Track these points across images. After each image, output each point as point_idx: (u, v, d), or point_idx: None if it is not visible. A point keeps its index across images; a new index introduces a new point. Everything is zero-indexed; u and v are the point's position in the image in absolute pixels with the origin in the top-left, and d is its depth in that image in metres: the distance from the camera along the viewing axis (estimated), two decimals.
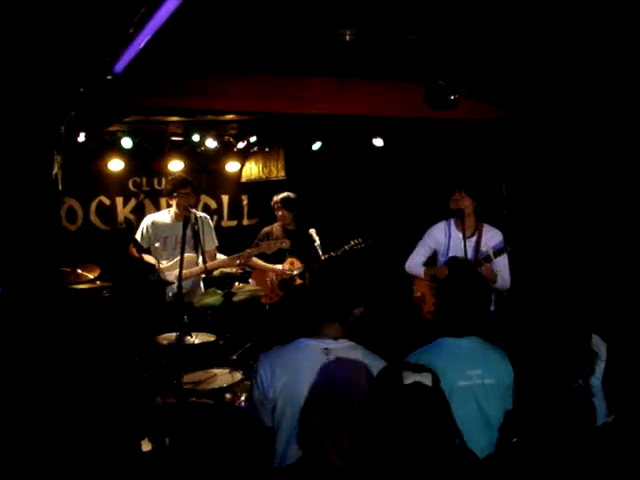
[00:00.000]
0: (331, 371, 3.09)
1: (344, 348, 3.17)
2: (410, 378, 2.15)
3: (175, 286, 5.60)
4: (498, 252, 5.33)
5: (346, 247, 6.92)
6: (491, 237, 5.55)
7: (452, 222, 5.66)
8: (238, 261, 6.45)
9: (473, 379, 3.26)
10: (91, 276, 6.08)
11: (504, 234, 5.56)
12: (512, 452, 3.02)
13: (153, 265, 6.28)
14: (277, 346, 3.47)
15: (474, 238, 5.50)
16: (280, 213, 7.09)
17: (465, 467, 2.19)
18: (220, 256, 6.72)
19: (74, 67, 3.93)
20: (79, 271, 6.03)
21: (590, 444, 2.95)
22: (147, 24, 3.06)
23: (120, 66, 3.84)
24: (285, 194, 7.08)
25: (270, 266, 6.95)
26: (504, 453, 3.08)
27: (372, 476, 2.05)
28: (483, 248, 5.47)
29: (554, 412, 3.13)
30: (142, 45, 3.44)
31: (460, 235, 5.49)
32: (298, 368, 3.09)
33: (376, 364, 3.15)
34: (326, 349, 3.13)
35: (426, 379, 2.17)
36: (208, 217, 6.88)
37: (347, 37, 4.50)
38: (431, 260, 5.81)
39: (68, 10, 3.16)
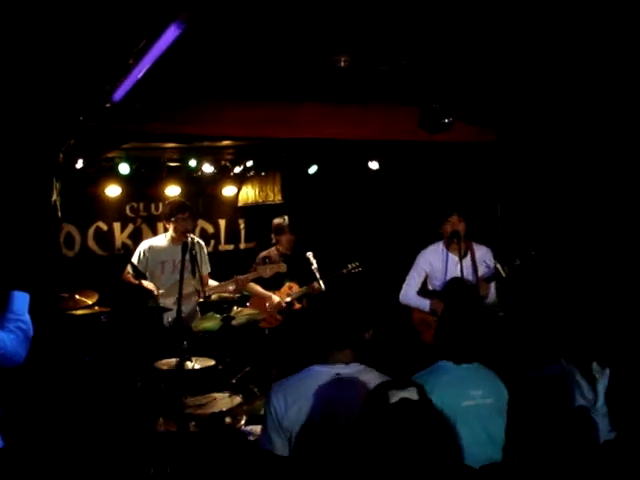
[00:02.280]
0: (344, 397, 3.04)
1: (356, 372, 3.13)
2: (396, 396, 2.16)
3: (174, 311, 5.62)
4: (491, 278, 5.42)
5: (344, 270, 6.94)
6: (484, 254, 5.65)
7: (442, 245, 5.71)
8: (234, 286, 6.46)
9: (476, 399, 3.29)
10: (89, 302, 6.12)
11: (499, 253, 5.63)
12: (514, 469, 3.04)
13: (151, 291, 6.30)
14: (289, 375, 3.43)
15: (468, 258, 5.55)
16: (286, 237, 7.06)
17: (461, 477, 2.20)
18: (212, 282, 6.74)
19: (75, 96, 3.99)
20: (77, 297, 6.07)
21: (593, 461, 2.97)
22: (146, 55, 3.13)
23: (119, 94, 3.89)
24: (286, 217, 7.10)
25: (267, 294, 6.89)
26: (506, 471, 3.10)
27: None
28: (480, 266, 5.52)
29: (557, 431, 3.16)
30: (141, 74, 3.50)
31: (456, 258, 5.51)
32: (311, 396, 3.04)
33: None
34: (338, 374, 3.09)
35: (412, 394, 2.17)
36: (203, 243, 6.92)
37: (342, 63, 4.57)
38: (422, 285, 5.85)
39: (71, 42, 3.22)
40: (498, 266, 5.39)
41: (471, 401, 3.30)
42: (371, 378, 3.13)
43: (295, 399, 3.05)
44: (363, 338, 3.22)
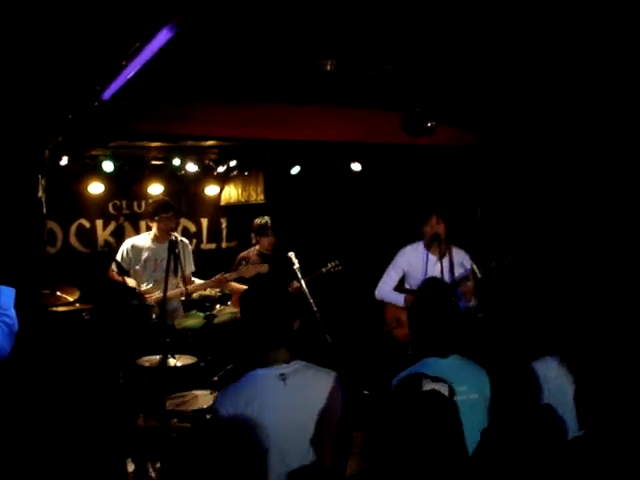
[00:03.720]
0: (291, 395, 3.08)
1: (299, 369, 3.17)
2: (429, 385, 2.24)
3: (157, 309, 5.65)
4: (466, 278, 5.52)
5: (323, 269, 6.99)
6: (462, 257, 5.79)
7: (422, 245, 5.82)
8: (217, 284, 6.48)
9: (462, 394, 3.33)
10: (71, 299, 6.12)
11: (479, 255, 5.74)
12: (487, 465, 3.11)
13: (134, 289, 6.32)
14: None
15: (447, 259, 5.65)
16: (268, 239, 7.10)
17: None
18: (195, 280, 6.77)
19: (65, 95, 4.02)
20: (59, 293, 6.07)
21: (561, 457, 3.06)
22: (138, 56, 3.17)
23: (108, 94, 3.92)
24: (267, 218, 7.14)
25: None
26: (479, 467, 3.18)
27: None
28: (457, 268, 5.62)
29: (527, 427, 3.24)
30: (131, 75, 3.54)
31: (435, 258, 5.66)
32: (258, 400, 3.05)
33: (330, 378, 3.21)
34: (282, 375, 3.12)
35: (443, 389, 2.25)
36: (187, 242, 6.95)
37: (328, 67, 4.63)
38: (399, 283, 5.95)
39: (66, 43, 3.26)
40: (474, 267, 5.50)
41: (458, 397, 3.35)
42: (313, 373, 3.21)
43: (244, 404, 3.04)
44: (293, 332, 3.24)
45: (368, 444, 2.34)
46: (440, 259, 5.58)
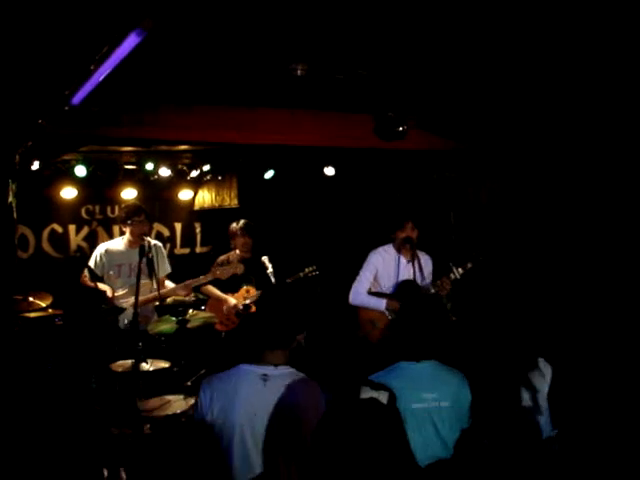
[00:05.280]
0: (267, 398, 3.13)
1: (283, 375, 3.21)
2: (367, 393, 2.25)
3: (130, 313, 5.62)
4: (462, 269, 5.62)
5: (300, 274, 7.00)
6: (427, 260, 5.90)
7: (393, 248, 5.87)
8: (185, 291, 6.44)
9: (428, 401, 3.35)
10: (43, 304, 6.06)
11: (452, 259, 5.81)
12: (465, 464, 3.15)
13: (105, 293, 6.28)
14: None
15: (416, 262, 5.69)
16: (242, 240, 7.05)
17: None
18: (169, 283, 6.75)
19: (34, 99, 4.00)
20: (31, 299, 6.01)
21: (536, 455, 3.10)
22: (107, 60, 3.17)
23: (78, 98, 3.91)
24: (245, 221, 7.12)
25: (224, 296, 6.92)
26: (458, 466, 3.21)
27: None
28: (424, 270, 5.69)
29: (506, 428, 3.28)
30: (100, 79, 3.53)
31: (406, 260, 5.77)
32: (234, 394, 3.13)
33: (313, 390, 3.23)
34: (265, 375, 3.17)
35: (382, 397, 2.27)
36: (161, 245, 6.93)
37: (299, 72, 4.64)
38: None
39: (34, 46, 3.24)
40: (454, 269, 5.58)
41: (421, 404, 3.35)
42: (297, 382, 3.22)
43: (219, 396, 3.14)
44: (295, 340, 3.31)
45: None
46: (412, 261, 5.63)
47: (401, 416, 2.29)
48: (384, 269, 5.87)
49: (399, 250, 5.82)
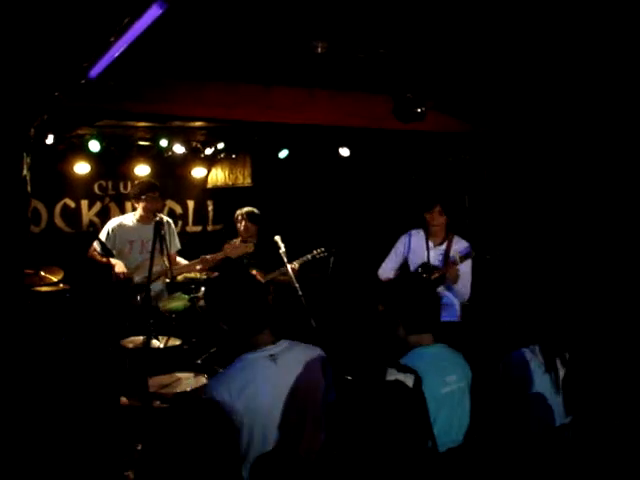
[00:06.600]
0: (283, 374, 3.13)
1: (287, 348, 3.22)
2: (393, 375, 2.22)
3: (141, 289, 5.61)
4: (464, 257, 5.58)
5: (309, 256, 6.96)
6: (460, 247, 5.80)
7: (423, 232, 5.86)
8: (201, 265, 6.44)
9: (451, 385, 3.31)
10: (54, 279, 6.06)
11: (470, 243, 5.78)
12: (476, 451, 3.13)
13: (115, 267, 6.26)
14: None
15: (444, 247, 5.72)
16: (243, 225, 6.99)
17: (433, 469, 2.26)
18: (181, 260, 6.74)
19: (51, 71, 3.95)
20: (42, 273, 6.01)
21: (549, 443, 3.07)
22: (127, 33, 3.12)
23: (95, 71, 3.86)
24: (250, 208, 7.08)
25: None
26: (468, 452, 3.19)
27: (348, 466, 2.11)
28: (452, 254, 5.68)
29: (515, 415, 3.25)
30: (119, 52, 3.49)
31: (432, 244, 5.79)
32: (254, 383, 3.06)
33: (317, 353, 3.28)
34: (272, 355, 3.15)
35: (408, 380, 2.23)
36: (171, 221, 6.91)
37: (319, 49, 4.59)
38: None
39: (52, 18, 3.20)
40: (456, 255, 5.60)
41: (448, 387, 3.33)
42: (301, 350, 3.27)
43: (240, 389, 3.04)
44: (271, 308, 3.31)
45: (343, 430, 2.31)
46: (440, 246, 5.74)
47: (426, 400, 2.27)
48: (414, 251, 5.89)
49: (428, 233, 5.81)
